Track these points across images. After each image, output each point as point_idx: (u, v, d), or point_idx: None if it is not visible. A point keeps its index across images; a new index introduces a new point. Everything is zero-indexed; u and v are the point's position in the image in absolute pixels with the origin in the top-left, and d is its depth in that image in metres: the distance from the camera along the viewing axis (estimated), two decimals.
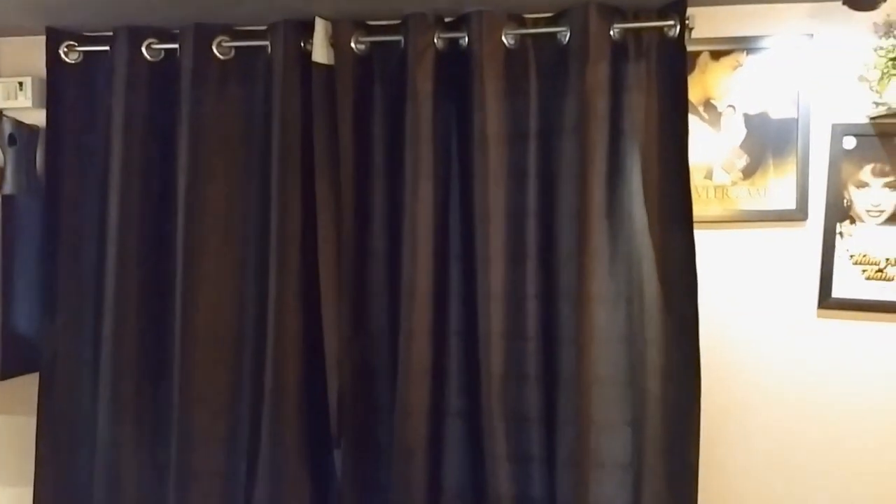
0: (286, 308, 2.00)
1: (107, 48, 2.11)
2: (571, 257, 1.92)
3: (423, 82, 1.95)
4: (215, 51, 2.06)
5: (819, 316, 2.08)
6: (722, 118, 2.07)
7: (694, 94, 2.04)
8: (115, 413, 2.07)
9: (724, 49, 2.06)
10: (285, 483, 2.02)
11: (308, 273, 2.02)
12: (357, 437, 2.05)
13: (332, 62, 1.99)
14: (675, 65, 1.91)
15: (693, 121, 2.03)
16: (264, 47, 2.05)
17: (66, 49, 2.12)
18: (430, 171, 1.95)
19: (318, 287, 2.00)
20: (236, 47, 2.07)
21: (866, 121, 2.01)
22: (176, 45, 2.07)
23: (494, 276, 1.94)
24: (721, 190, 2.08)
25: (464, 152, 1.98)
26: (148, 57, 2.09)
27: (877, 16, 1.98)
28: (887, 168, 2.00)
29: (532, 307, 1.98)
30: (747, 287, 2.11)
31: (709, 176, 2.08)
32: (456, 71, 1.97)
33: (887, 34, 1.96)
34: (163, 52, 2.10)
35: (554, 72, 1.96)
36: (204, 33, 2.04)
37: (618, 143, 1.92)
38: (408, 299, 1.95)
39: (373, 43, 2.02)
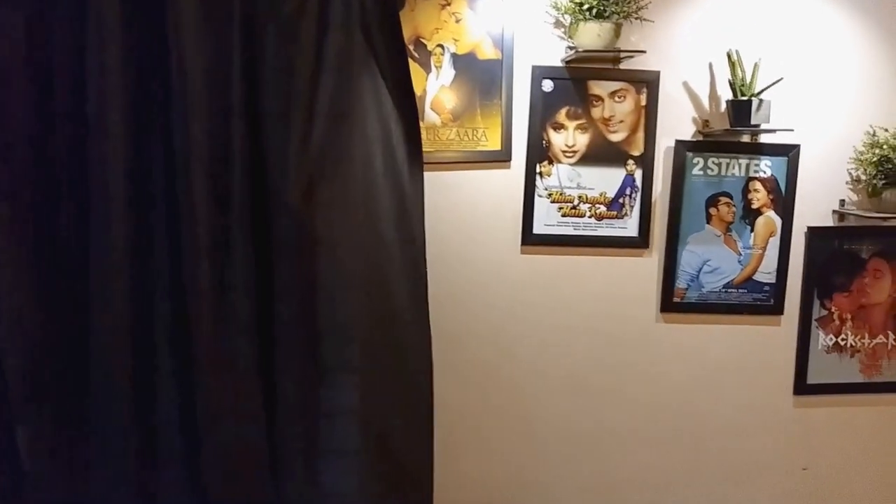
0: None
1: None
2: (290, 201, 1.82)
3: (107, 4, 1.70)
4: None
5: (522, 252, 2.20)
6: (431, 58, 2.07)
7: (405, 32, 2.01)
8: None
9: None
10: None
11: None
12: (46, 408, 1.84)
13: None
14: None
15: None
16: None
17: None
18: (119, 106, 1.74)
19: None
20: None
21: (562, 65, 2.12)
22: None
23: (201, 225, 1.79)
24: (433, 131, 2.10)
25: (160, 85, 1.78)
26: None
27: None
28: (580, 111, 2.14)
29: (243, 257, 1.86)
30: (457, 228, 2.17)
31: (420, 117, 2.08)
32: None
33: None
34: None
35: None
36: None
37: (330, 79, 1.84)
38: (98, 254, 1.76)
39: None
